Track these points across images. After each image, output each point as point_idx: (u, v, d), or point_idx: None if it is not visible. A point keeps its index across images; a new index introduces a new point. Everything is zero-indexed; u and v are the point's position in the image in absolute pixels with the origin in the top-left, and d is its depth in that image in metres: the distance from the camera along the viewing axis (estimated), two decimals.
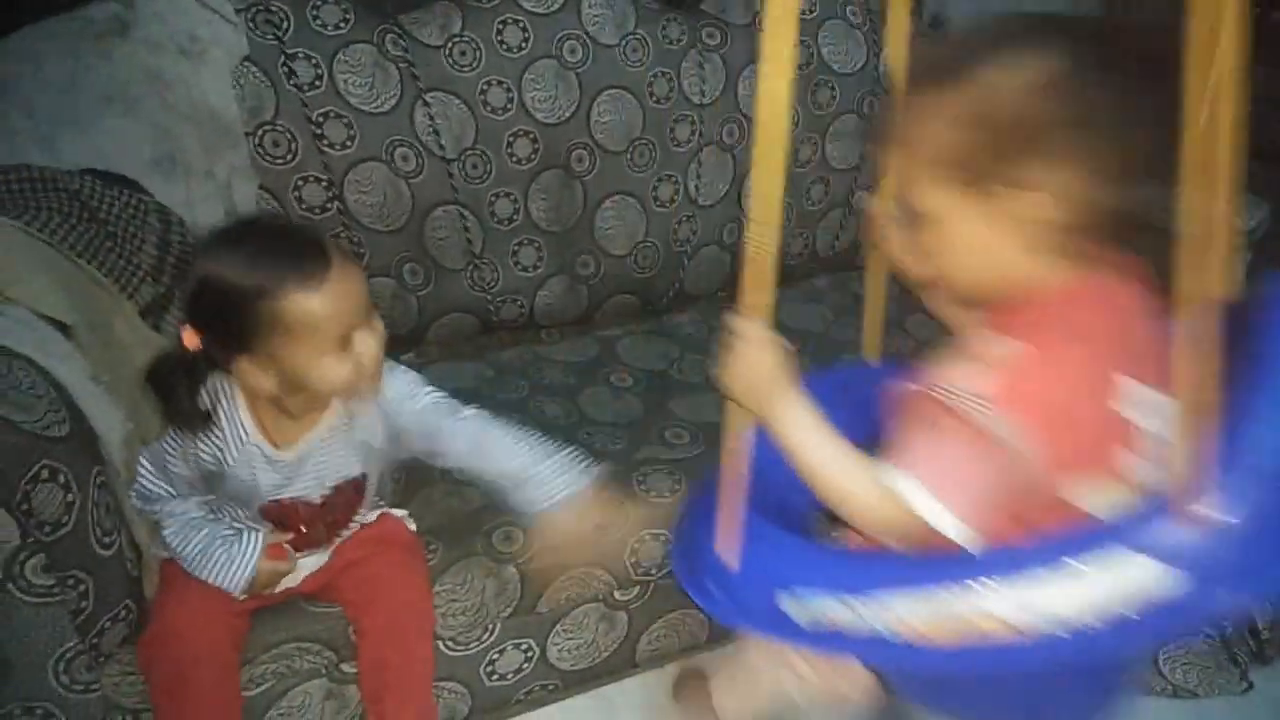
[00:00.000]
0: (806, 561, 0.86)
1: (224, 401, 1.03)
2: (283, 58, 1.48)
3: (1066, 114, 0.74)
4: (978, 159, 0.76)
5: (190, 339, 0.97)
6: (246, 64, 1.46)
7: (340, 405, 1.06)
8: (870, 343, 1.21)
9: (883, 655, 0.85)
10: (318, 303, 0.93)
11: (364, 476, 1.11)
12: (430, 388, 1.10)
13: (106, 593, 1.01)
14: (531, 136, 1.64)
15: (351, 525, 1.16)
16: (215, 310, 0.95)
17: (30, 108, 1.37)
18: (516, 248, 1.69)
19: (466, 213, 1.63)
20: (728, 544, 0.87)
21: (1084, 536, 0.76)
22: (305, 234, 0.98)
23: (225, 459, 1.04)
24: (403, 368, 1.10)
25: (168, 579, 1.08)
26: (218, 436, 1.03)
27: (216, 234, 1.01)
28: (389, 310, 1.62)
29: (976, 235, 0.79)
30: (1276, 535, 0.72)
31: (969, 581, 0.75)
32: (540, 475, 1.04)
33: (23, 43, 1.41)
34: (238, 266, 0.93)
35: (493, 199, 1.65)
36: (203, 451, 1.04)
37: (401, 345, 1.64)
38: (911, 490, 0.76)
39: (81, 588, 0.98)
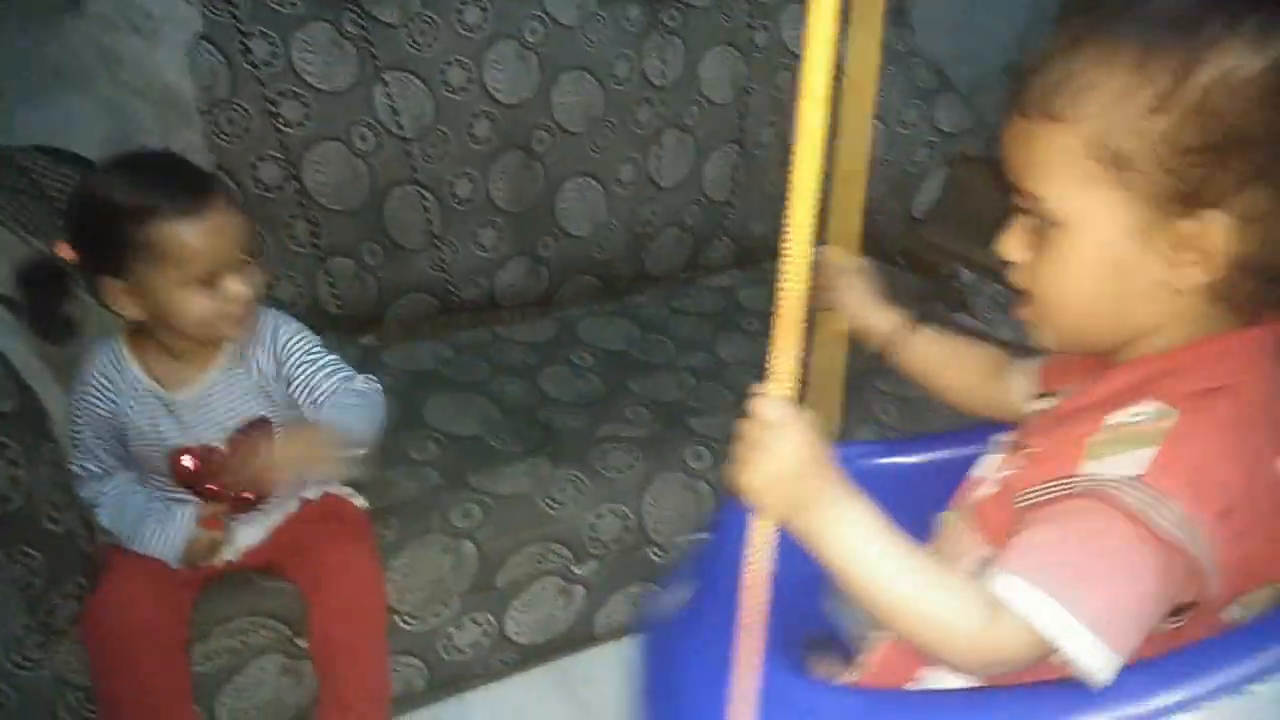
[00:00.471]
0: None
1: (112, 352, 1.05)
2: (239, 35, 1.46)
3: None
4: (1176, 164, 0.57)
5: (65, 251, 0.99)
6: (201, 41, 1.45)
7: (231, 347, 1.08)
8: (826, 423, 0.95)
9: None
10: (187, 233, 0.96)
11: (269, 420, 1.11)
12: (324, 353, 1.11)
13: (57, 569, 1.00)
14: (492, 117, 1.64)
15: (287, 490, 1.15)
16: (91, 227, 0.98)
17: None
18: (477, 228, 1.69)
19: (426, 193, 1.63)
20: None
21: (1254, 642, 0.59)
22: (194, 171, 1.02)
23: (122, 409, 1.05)
24: (301, 328, 1.13)
25: (109, 556, 1.08)
26: (109, 387, 1.05)
27: (113, 158, 1.05)
28: (346, 290, 1.62)
29: (1119, 255, 0.61)
30: None
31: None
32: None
33: None
34: (119, 187, 0.97)
35: (452, 179, 1.64)
36: (99, 408, 1.05)
37: (361, 326, 1.64)
38: (1037, 605, 0.56)
39: (31, 564, 0.98)
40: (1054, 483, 0.60)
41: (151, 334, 1.04)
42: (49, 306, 1.02)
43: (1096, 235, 0.61)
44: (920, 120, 1.90)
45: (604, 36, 1.71)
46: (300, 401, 1.10)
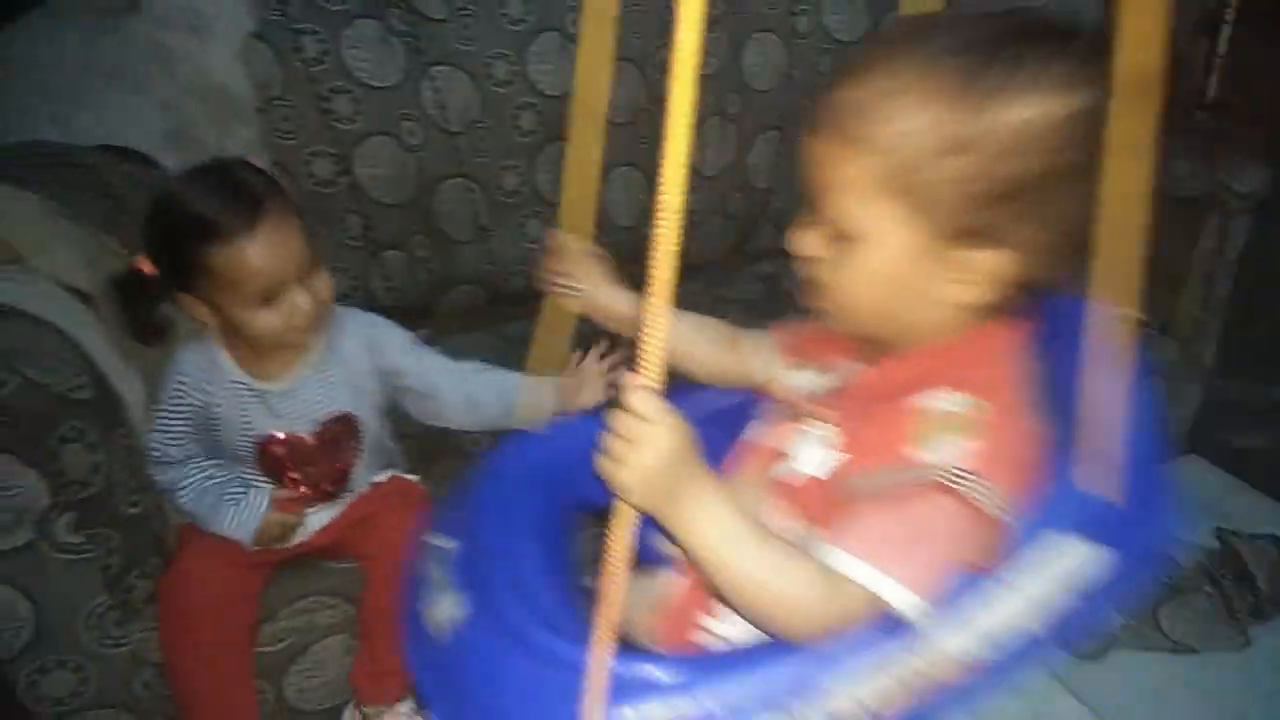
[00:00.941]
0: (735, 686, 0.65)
1: (204, 348, 1.09)
2: (290, 34, 1.50)
3: (1074, 162, 0.62)
4: (962, 201, 0.62)
5: (145, 265, 1.03)
6: (253, 40, 1.48)
7: (320, 343, 1.11)
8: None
9: None
10: (243, 257, 0.98)
11: (356, 417, 1.14)
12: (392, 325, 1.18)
13: (134, 550, 1.04)
14: (536, 109, 1.66)
15: (359, 481, 1.18)
16: (161, 246, 1.02)
17: (44, 86, 1.40)
18: (523, 219, 1.71)
19: (473, 185, 1.65)
20: None
21: (1023, 536, 0.68)
22: (249, 189, 1.00)
23: (213, 400, 1.09)
24: (386, 322, 1.19)
25: (186, 536, 1.12)
26: (202, 381, 1.08)
27: (181, 172, 1.08)
28: (399, 283, 1.64)
29: (904, 272, 0.66)
30: (1148, 511, 0.74)
31: (927, 632, 0.64)
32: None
33: (36, 23, 1.44)
34: (180, 210, 1.00)
35: (499, 172, 1.67)
36: (192, 398, 1.09)
37: (413, 318, 1.66)
38: (880, 583, 0.62)
39: (110, 545, 1.01)
40: (891, 470, 0.65)
41: (235, 335, 1.07)
42: (142, 313, 1.05)
43: (882, 252, 0.66)
44: None
45: (646, 26, 1.72)
46: (413, 406, 1.19)
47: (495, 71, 1.63)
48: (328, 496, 1.16)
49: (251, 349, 1.08)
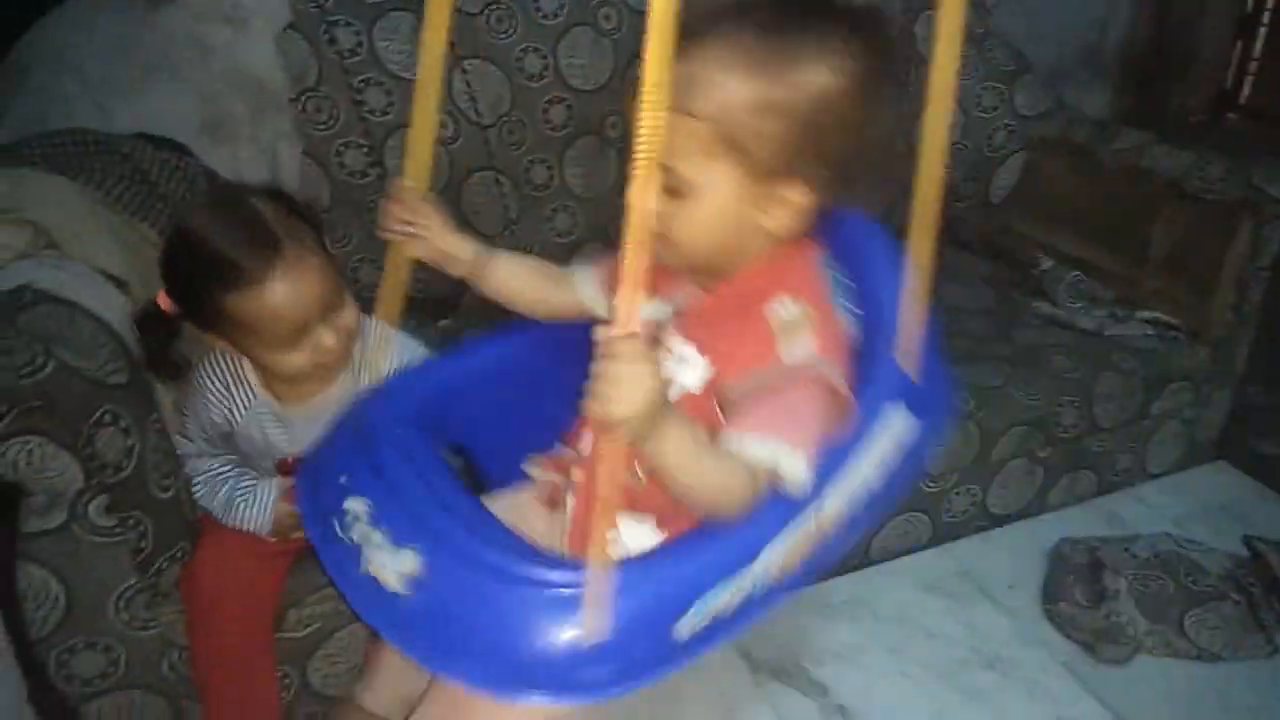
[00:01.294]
0: (694, 574, 0.79)
1: (232, 362, 1.08)
2: (324, 25, 1.51)
3: (858, 118, 0.80)
4: (773, 150, 0.79)
5: (165, 303, 1.02)
6: (289, 31, 1.49)
7: (351, 367, 1.10)
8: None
9: (749, 616, 0.81)
10: (262, 304, 0.96)
11: None
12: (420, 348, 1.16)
13: (165, 534, 1.05)
14: (567, 103, 1.67)
15: None
16: (178, 286, 1.01)
17: (83, 74, 1.42)
18: (551, 213, 1.72)
19: (503, 179, 1.66)
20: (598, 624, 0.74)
21: (869, 408, 0.87)
22: (258, 232, 0.96)
23: (234, 419, 1.09)
24: (413, 343, 1.15)
25: (206, 526, 1.13)
26: (225, 397, 1.08)
27: (197, 205, 1.07)
28: (426, 274, 1.65)
29: (733, 212, 0.82)
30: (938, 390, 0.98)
31: (820, 499, 0.82)
32: None
33: (75, 11, 1.46)
34: (196, 254, 0.97)
35: (528, 165, 1.67)
36: (213, 412, 1.09)
37: (439, 309, 1.68)
38: (781, 455, 0.78)
39: (141, 528, 1.03)
40: (762, 371, 0.82)
41: None
42: (159, 348, 1.04)
43: (715, 199, 0.81)
44: (999, 103, 1.88)
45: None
46: None
47: (527, 65, 1.63)
48: None
49: (278, 374, 1.07)
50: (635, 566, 0.79)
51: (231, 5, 1.48)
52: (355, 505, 0.84)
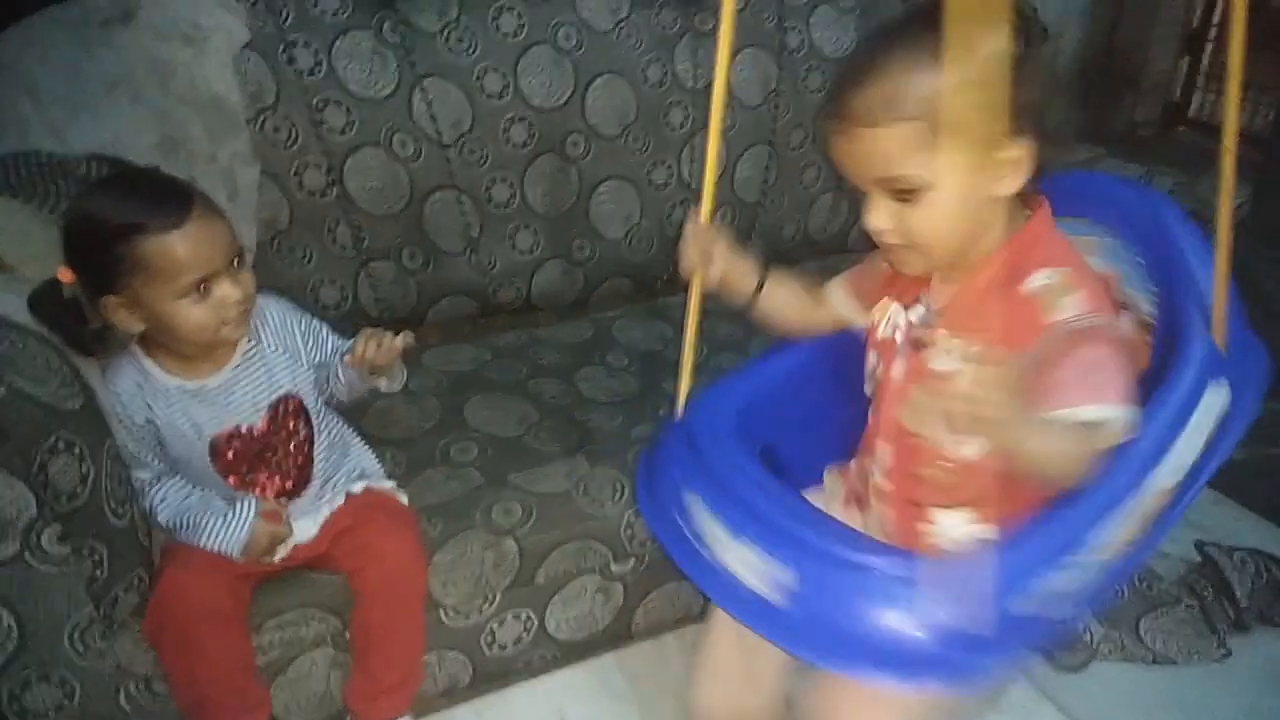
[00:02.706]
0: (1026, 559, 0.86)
1: (131, 362, 1.09)
2: (283, 45, 1.51)
3: (1032, 67, 0.85)
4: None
5: (65, 275, 1.02)
6: (248, 51, 1.49)
7: (250, 336, 1.12)
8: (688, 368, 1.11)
9: (1095, 594, 0.92)
10: (174, 246, 0.99)
11: (299, 396, 1.15)
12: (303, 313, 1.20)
13: (120, 562, 1.04)
14: (527, 122, 1.67)
15: (329, 474, 1.19)
16: (84, 249, 1.01)
17: (38, 95, 1.40)
18: (513, 231, 1.72)
19: (464, 197, 1.66)
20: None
21: (1192, 388, 0.93)
22: (172, 183, 1.04)
23: (155, 413, 1.09)
24: (289, 304, 1.19)
25: (168, 552, 1.12)
26: (137, 394, 1.08)
27: (92, 182, 1.08)
28: (388, 293, 1.65)
29: (968, 190, 0.86)
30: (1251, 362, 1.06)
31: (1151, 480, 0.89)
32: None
33: (30, 30, 1.43)
34: (104, 209, 1.00)
35: (490, 183, 1.68)
36: (135, 417, 1.08)
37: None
38: (1108, 414, 0.83)
39: (96, 557, 1.01)
40: (1042, 341, 0.85)
41: (161, 340, 1.07)
42: (72, 325, 1.04)
43: (951, 182, 0.84)
44: None
45: (637, 41, 1.73)
46: (329, 359, 1.18)
47: (487, 84, 1.64)
48: (300, 483, 1.17)
49: (178, 353, 1.08)
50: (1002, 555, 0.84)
51: (190, 25, 1.47)
52: (709, 525, 0.93)
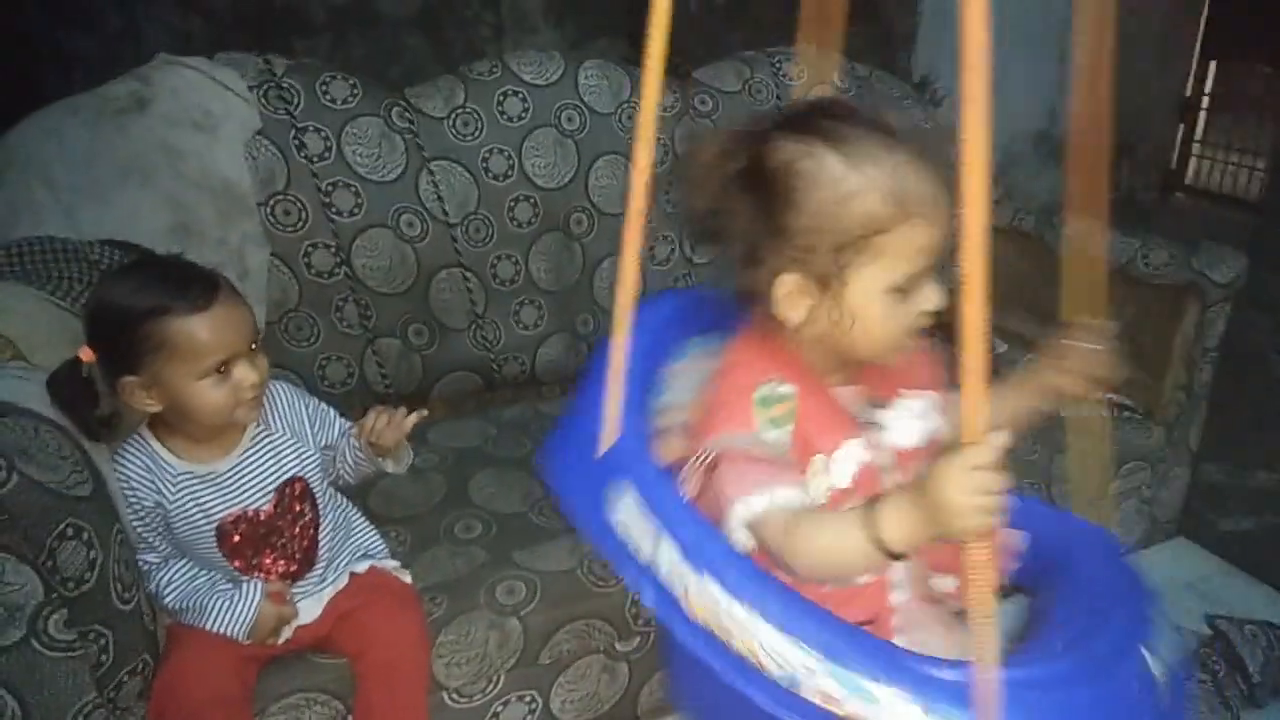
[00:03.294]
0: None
1: (140, 445, 1.10)
2: (293, 130, 1.55)
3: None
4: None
5: (86, 354, 1.05)
6: (259, 137, 1.53)
7: (263, 420, 1.14)
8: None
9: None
10: (198, 328, 1.02)
11: (305, 479, 1.16)
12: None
13: (126, 647, 1.04)
14: (532, 201, 1.71)
15: (333, 556, 1.19)
16: (107, 330, 1.04)
17: (52, 181, 1.44)
18: (518, 307, 1.75)
19: (469, 274, 1.69)
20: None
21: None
22: (199, 269, 1.07)
23: (165, 497, 1.09)
24: (294, 388, 1.22)
25: (174, 635, 1.12)
26: (147, 478, 1.09)
27: (119, 266, 1.13)
28: (394, 369, 1.67)
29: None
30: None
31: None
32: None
33: (47, 119, 1.48)
34: (130, 291, 1.03)
35: (495, 261, 1.71)
36: (144, 500, 1.09)
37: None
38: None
39: (102, 642, 1.01)
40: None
41: (173, 423, 1.09)
42: (85, 408, 1.05)
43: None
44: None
45: (638, 122, 1.77)
46: (336, 442, 1.20)
47: (492, 165, 1.68)
48: (305, 566, 1.17)
49: (188, 436, 1.10)
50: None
51: (202, 113, 1.52)
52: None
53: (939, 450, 0.78)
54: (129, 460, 1.09)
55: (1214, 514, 1.92)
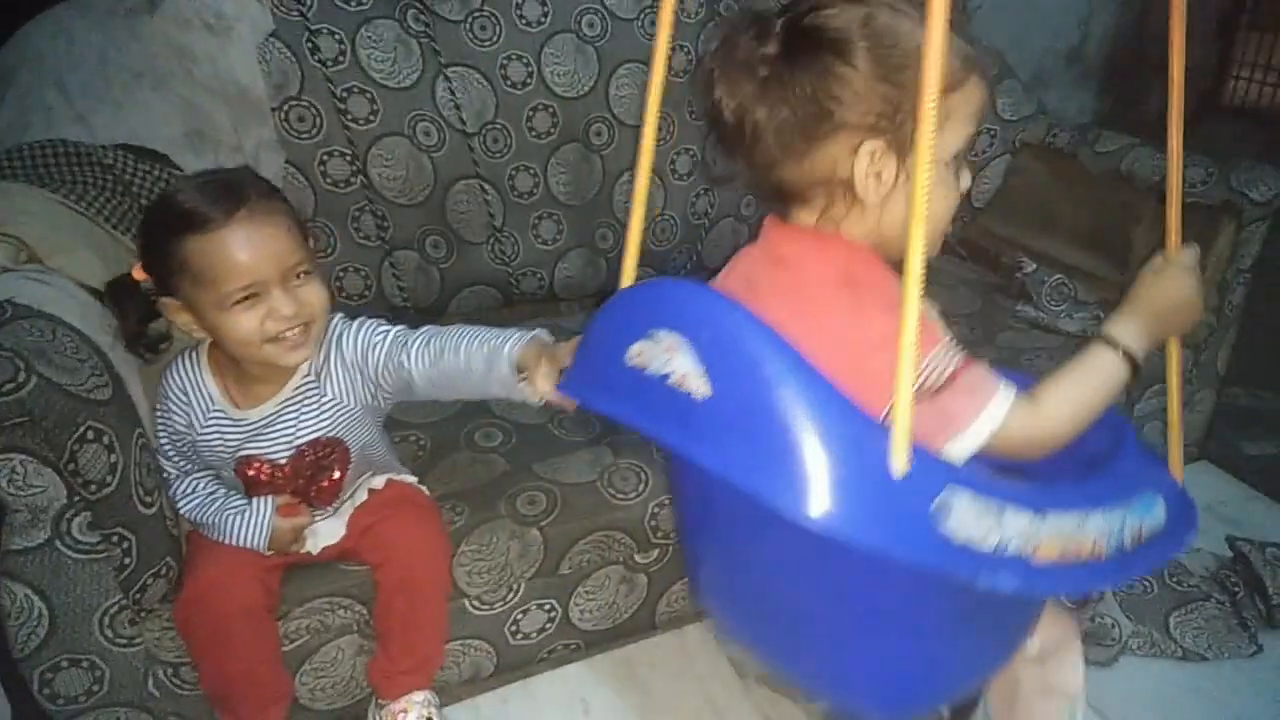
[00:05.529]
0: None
1: (190, 367, 1.08)
2: (307, 34, 1.51)
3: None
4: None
5: (138, 272, 1.02)
6: (272, 40, 1.49)
7: (306, 366, 1.08)
8: None
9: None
10: (214, 246, 0.95)
11: (336, 439, 1.11)
12: (386, 325, 1.10)
13: (149, 550, 1.05)
14: (551, 110, 1.67)
15: (352, 487, 1.18)
16: (143, 249, 1.01)
17: (63, 84, 1.41)
18: (536, 221, 1.72)
19: (487, 186, 1.66)
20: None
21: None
22: (227, 184, 0.98)
23: (195, 424, 1.08)
24: (361, 321, 1.10)
25: (196, 544, 1.12)
26: (185, 405, 1.08)
27: (181, 178, 1.09)
28: (411, 283, 1.65)
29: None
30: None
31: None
32: (495, 340, 1.02)
33: (56, 20, 1.44)
34: (163, 207, 0.99)
35: (513, 173, 1.67)
36: (177, 421, 1.08)
37: (425, 318, 1.67)
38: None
39: (125, 545, 1.02)
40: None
41: (225, 353, 1.05)
42: (136, 323, 1.04)
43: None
44: None
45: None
46: (390, 392, 1.10)
47: (510, 73, 1.63)
48: (323, 504, 1.16)
49: (237, 372, 1.06)
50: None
51: (214, 14, 1.48)
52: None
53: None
54: (173, 380, 1.08)
55: (1238, 438, 1.91)
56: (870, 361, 0.69)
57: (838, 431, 0.66)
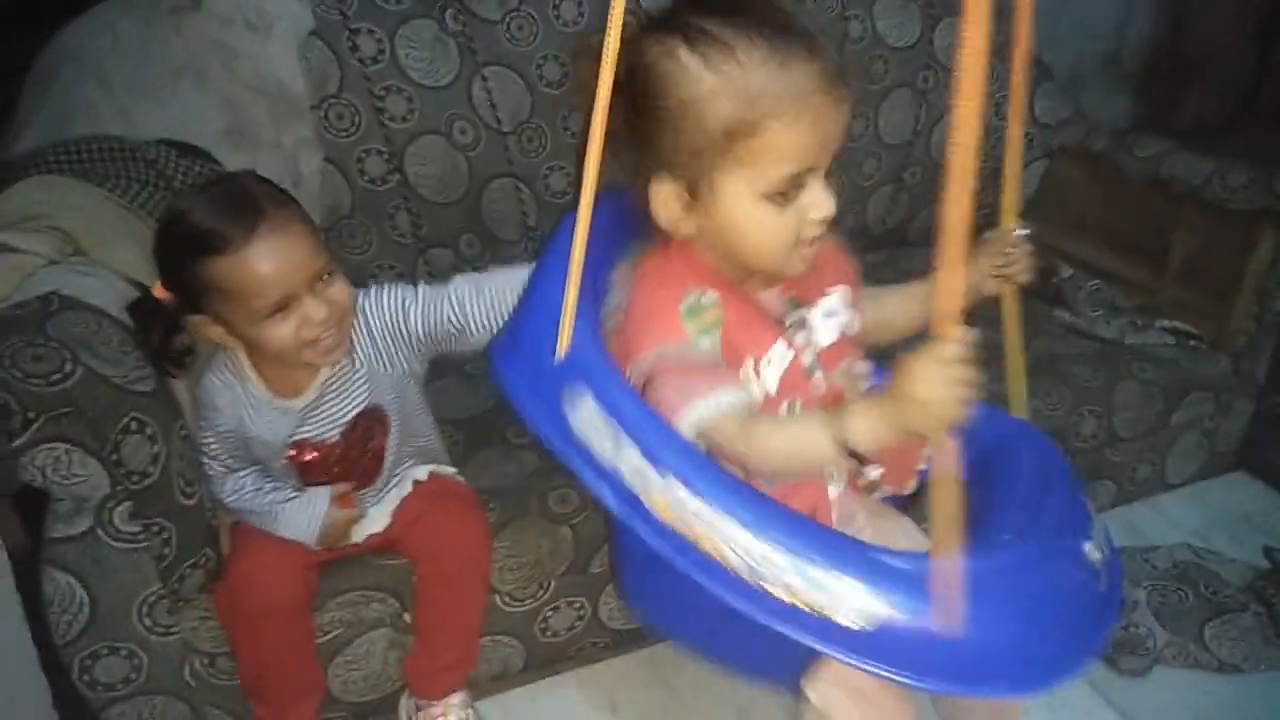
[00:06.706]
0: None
1: (232, 371, 1.07)
2: (347, 33, 1.52)
3: None
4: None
5: (160, 291, 1.02)
6: (312, 38, 1.50)
7: (348, 352, 1.08)
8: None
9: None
10: (241, 267, 0.95)
11: (379, 406, 1.12)
12: (405, 285, 1.11)
13: (188, 540, 1.06)
14: (586, 111, 1.67)
15: (397, 466, 1.19)
16: (164, 271, 1.01)
17: (107, 80, 1.43)
18: None
19: (522, 186, 1.66)
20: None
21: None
22: (245, 196, 0.98)
23: (245, 421, 1.08)
24: (378, 288, 1.11)
25: (240, 536, 1.13)
26: (233, 400, 1.07)
27: (186, 193, 1.08)
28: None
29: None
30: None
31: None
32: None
33: (100, 18, 1.46)
34: (178, 229, 0.97)
35: (547, 172, 1.68)
36: (225, 424, 1.08)
37: None
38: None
39: (165, 535, 1.04)
40: None
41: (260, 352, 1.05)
42: (154, 342, 1.03)
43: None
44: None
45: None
46: (441, 342, 1.10)
47: (547, 72, 1.64)
48: (369, 479, 1.17)
49: (276, 362, 1.06)
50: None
51: (255, 12, 1.49)
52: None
53: (915, 346, 0.72)
54: (216, 387, 1.08)
55: (1275, 447, 1.87)
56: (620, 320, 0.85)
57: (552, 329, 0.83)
